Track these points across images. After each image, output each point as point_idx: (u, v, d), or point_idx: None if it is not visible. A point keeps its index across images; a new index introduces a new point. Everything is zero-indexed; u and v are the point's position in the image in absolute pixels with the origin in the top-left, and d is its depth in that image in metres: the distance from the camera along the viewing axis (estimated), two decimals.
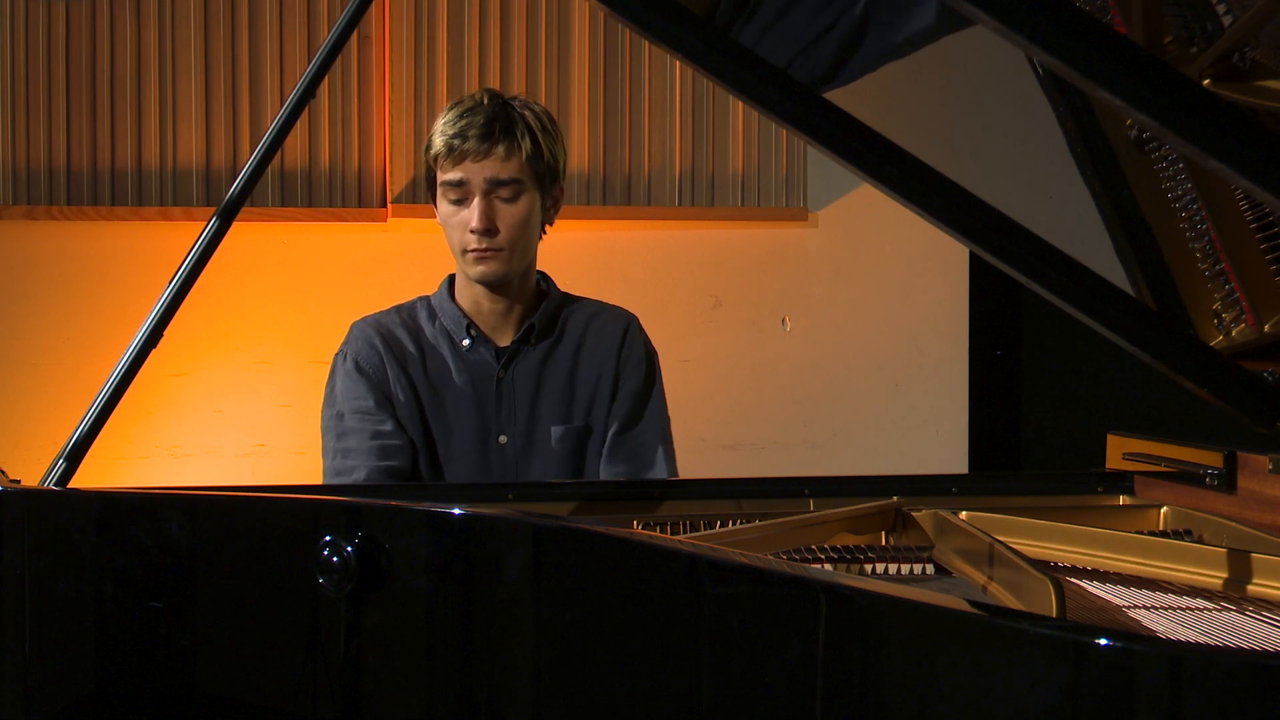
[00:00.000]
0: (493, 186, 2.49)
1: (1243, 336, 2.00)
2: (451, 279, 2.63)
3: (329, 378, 2.61)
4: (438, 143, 2.51)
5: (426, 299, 2.64)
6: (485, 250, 2.50)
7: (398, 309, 2.64)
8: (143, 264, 3.68)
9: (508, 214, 2.51)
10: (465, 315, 2.58)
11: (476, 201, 2.49)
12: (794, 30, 2.05)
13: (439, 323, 2.59)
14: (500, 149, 2.49)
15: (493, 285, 2.55)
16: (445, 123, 2.52)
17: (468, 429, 2.55)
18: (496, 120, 2.49)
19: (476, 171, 2.49)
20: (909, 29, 2.07)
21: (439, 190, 2.54)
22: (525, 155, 2.50)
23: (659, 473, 2.59)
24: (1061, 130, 2.08)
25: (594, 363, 2.60)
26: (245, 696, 1.79)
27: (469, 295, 2.58)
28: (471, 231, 2.49)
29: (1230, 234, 1.99)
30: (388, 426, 2.53)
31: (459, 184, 2.50)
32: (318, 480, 2.62)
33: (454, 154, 2.49)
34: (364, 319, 2.63)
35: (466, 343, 2.57)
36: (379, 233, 3.82)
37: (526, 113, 2.53)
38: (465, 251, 2.52)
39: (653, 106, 3.90)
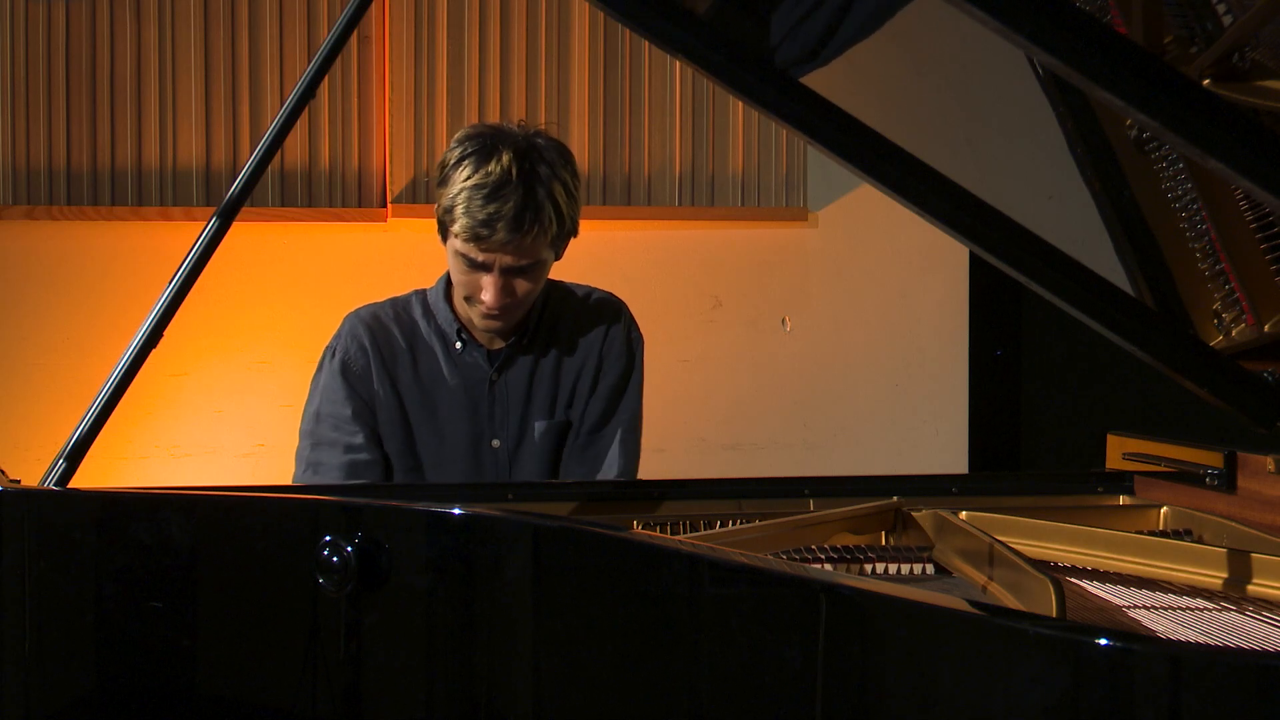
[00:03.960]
0: (513, 270, 2.41)
1: (1243, 336, 2.00)
2: (449, 278, 2.57)
3: (316, 370, 2.58)
4: (460, 220, 2.37)
5: (422, 294, 2.60)
6: (495, 317, 2.46)
7: (392, 302, 2.60)
8: (143, 264, 3.68)
9: (522, 287, 2.44)
10: (459, 320, 2.55)
11: (493, 279, 2.41)
12: (785, 10, 2.03)
13: (434, 321, 2.56)
14: (528, 240, 2.38)
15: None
16: (470, 198, 2.36)
17: (459, 433, 2.53)
18: (526, 210, 2.35)
19: (499, 258, 2.39)
20: None
21: (452, 250, 2.44)
22: (550, 237, 2.41)
23: (610, 473, 2.55)
24: (1061, 130, 2.08)
25: (578, 356, 2.57)
26: (245, 696, 1.79)
27: (465, 305, 2.53)
28: (483, 301, 2.43)
29: (1230, 234, 1.99)
30: (359, 440, 2.50)
31: (479, 264, 2.41)
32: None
33: (479, 241, 2.37)
34: (357, 312, 2.59)
35: (459, 345, 2.54)
36: (379, 233, 3.81)
37: (554, 184, 2.39)
38: (471, 303, 2.47)
39: (653, 106, 3.90)
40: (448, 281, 2.58)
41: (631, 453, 2.60)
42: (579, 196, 2.46)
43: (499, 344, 2.56)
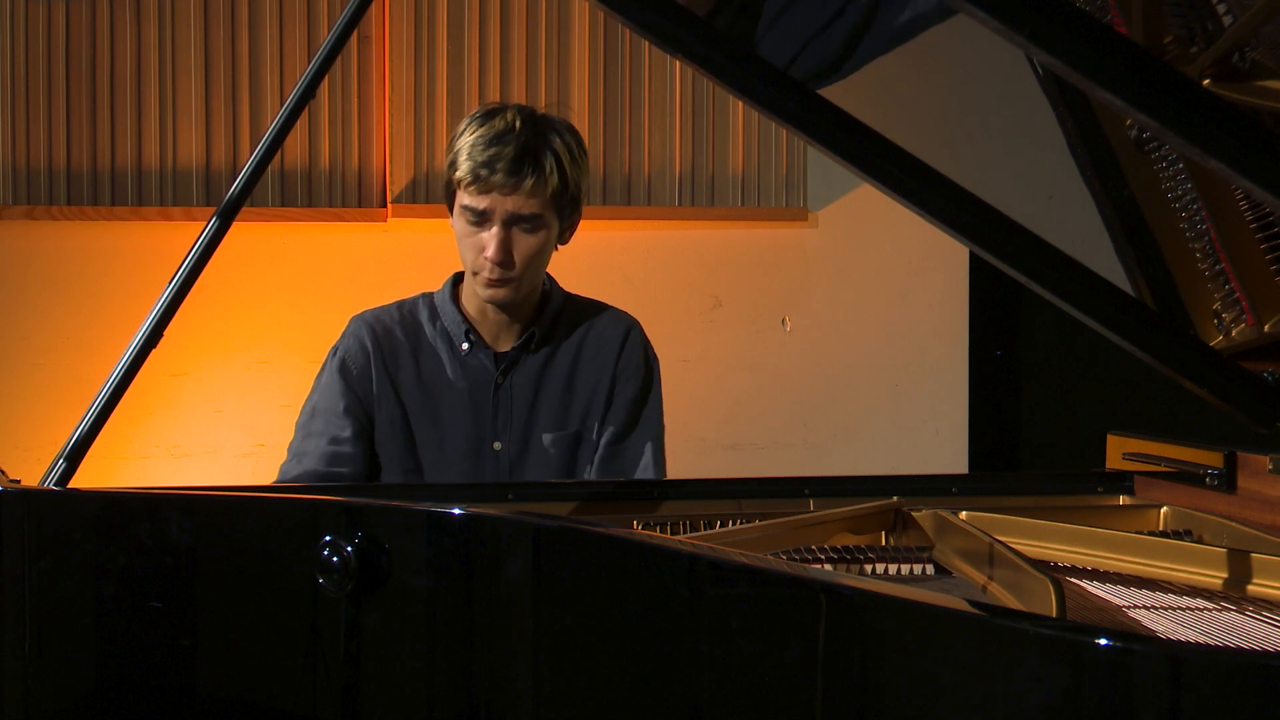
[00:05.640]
0: (514, 219, 2.45)
1: (1243, 336, 2.00)
2: (456, 279, 2.59)
3: (320, 368, 2.60)
4: (463, 166, 2.44)
5: (429, 296, 2.61)
6: (499, 278, 2.47)
7: (399, 305, 2.61)
8: (143, 264, 3.68)
9: (525, 244, 2.46)
10: (466, 320, 2.55)
11: (495, 230, 2.44)
12: (801, 21, 2.04)
13: (439, 324, 2.57)
14: (528, 184, 2.42)
15: (501, 306, 2.54)
16: (473, 144, 2.44)
17: (461, 435, 2.53)
18: (527, 154, 2.42)
19: (500, 203, 2.43)
20: (915, 9, 2.05)
21: (457, 208, 2.49)
22: (551, 190, 2.44)
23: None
24: (1061, 130, 2.08)
25: (592, 369, 2.58)
26: (245, 697, 1.79)
27: (474, 302, 2.55)
28: (486, 258, 2.46)
29: (1230, 234, 1.99)
30: (346, 433, 2.52)
31: (480, 212, 2.45)
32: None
33: (479, 183, 2.42)
34: (363, 315, 2.60)
35: (465, 347, 2.55)
36: (379, 233, 3.82)
37: (556, 140, 2.46)
38: (477, 273, 2.49)
39: (653, 106, 3.90)
40: (455, 282, 2.59)
41: (662, 468, 2.62)
42: (584, 167, 2.52)
43: (506, 345, 2.56)
